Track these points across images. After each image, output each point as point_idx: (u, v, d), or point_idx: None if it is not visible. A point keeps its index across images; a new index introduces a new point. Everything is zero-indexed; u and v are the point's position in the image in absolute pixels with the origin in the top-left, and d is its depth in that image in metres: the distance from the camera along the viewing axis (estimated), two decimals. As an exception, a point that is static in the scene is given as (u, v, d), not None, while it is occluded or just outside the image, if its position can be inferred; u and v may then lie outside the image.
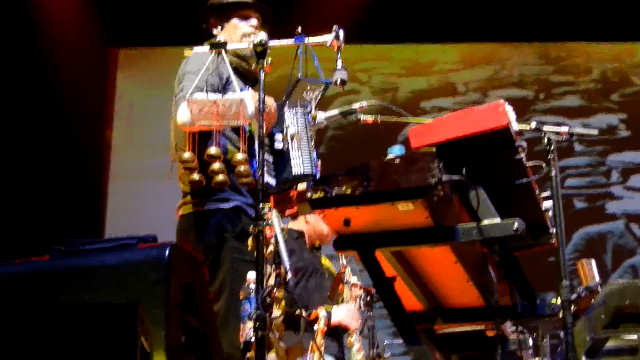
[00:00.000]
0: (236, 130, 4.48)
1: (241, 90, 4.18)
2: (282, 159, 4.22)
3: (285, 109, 4.30)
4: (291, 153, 4.23)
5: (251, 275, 3.67)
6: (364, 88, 10.24)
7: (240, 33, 4.86)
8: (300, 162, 4.20)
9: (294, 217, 5.88)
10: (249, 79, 4.74)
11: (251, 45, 3.89)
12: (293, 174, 4.17)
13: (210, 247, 4.51)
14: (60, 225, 8.85)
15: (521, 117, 3.80)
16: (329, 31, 4.00)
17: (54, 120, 9.41)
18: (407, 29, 9.94)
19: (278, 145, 4.26)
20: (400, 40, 10.29)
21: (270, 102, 4.27)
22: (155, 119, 8.39)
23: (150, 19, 9.67)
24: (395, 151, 3.58)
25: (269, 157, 4.24)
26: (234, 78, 4.23)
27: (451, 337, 4.55)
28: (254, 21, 4.93)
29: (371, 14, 9.43)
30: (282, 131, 4.29)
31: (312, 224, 5.94)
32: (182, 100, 4.39)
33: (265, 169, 3.70)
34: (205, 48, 4.11)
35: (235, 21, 4.92)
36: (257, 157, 3.81)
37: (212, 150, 3.91)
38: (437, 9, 9.71)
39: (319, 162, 4.41)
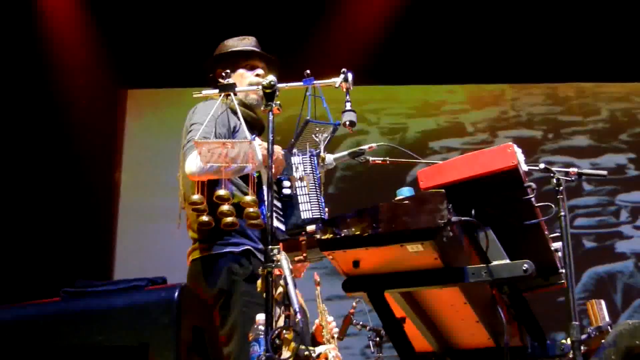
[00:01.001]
0: (243, 177, 4.52)
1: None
2: (290, 204, 4.20)
3: (294, 152, 4.30)
4: (299, 198, 4.21)
5: (260, 316, 3.66)
6: (372, 129, 10.26)
7: (247, 83, 4.89)
8: (309, 207, 4.19)
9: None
10: (256, 127, 4.77)
11: (260, 88, 3.91)
12: (302, 218, 4.15)
13: (222, 291, 4.52)
14: (70, 267, 8.85)
15: (530, 157, 3.81)
16: (338, 74, 4.02)
17: (63, 161, 9.44)
18: (415, 70, 9.98)
19: (286, 191, 4.24)
20: (409, 81, 10.32)
21: (277, 149, 4.28)
22: (164, 160, 8.41)
23: (159, 61, 9.72)
24: (404, 193, 3.58)
25: (277, 203, 4.24)
26: (243, 125, 4.24)
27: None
28: (260, 71, 4.97)
29: (380, 56, 9.46)
30: (289, 178, 4.28)
31: None
32: (190, 151, 4.47)
33: (274, 214, 3.70)
34: (214, 90, 4.13)
35: (241, 71, 4.96)
36: (265, 201, 3.82)
37: (221, 192, 3.90)
38: (446, 50, 9.75)
39: (326, 209, 4.41)
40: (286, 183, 4.24)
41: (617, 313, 9.27)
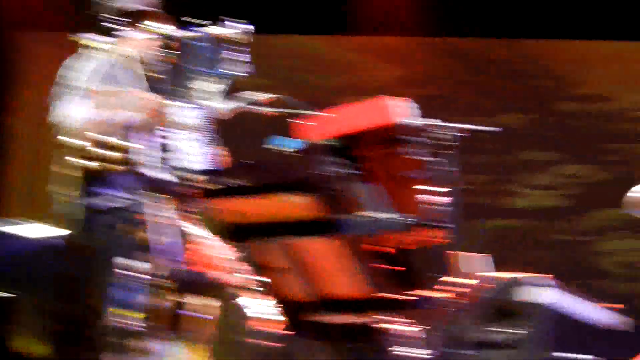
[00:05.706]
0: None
1: None
2: (170, 155, 4.25)
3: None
4: (181, 149, 4.25)
5: (136, 264, 3.70)
6: (275, 82, 10.23)
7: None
8: (191, 158, 4.24)
9: None
10: None
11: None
12: (183, 168, 4.21)
13: None
14: None
15: (429, 114, 3.87)
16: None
17: None
18: (320, 20, 9.94)
19: (168, 142, 4.26)
20: (308, 32, 10.29)
21: (154, 97, 4.30)
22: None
23: (50, 3, 9.54)
24: (288, 145, 3.63)
25: (156, 154, 4.25)
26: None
27: (336, 328, 4.59)
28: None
29: (284, 4, 9.43)
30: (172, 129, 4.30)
31: None
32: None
33: (154, 164, 3.74)
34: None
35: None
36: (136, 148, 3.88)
37: (105, 139, 3.92)
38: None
39: (225, 154, 4.45)
40: (168, 134, 4.25)
41: (503, 269, 9.44)
